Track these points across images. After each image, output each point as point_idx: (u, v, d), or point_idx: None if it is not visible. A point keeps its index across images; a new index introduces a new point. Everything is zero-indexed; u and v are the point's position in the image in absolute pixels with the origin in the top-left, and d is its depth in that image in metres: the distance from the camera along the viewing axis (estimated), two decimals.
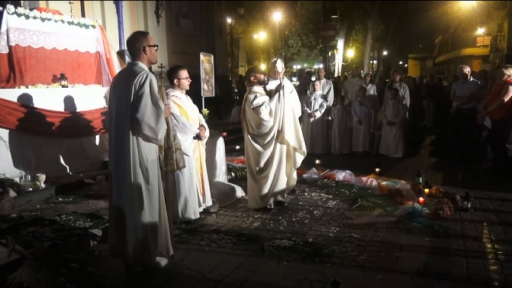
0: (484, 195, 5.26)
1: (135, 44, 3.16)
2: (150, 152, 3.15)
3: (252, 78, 4.81)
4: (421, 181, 5.39)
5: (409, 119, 9.53)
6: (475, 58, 30.81)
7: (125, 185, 3.07)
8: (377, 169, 6.33)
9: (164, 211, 3.29)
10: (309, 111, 8.48)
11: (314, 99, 8.54)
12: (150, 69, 4.21)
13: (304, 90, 10.52)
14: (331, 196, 5.32)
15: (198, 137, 4.42)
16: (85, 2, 9.16)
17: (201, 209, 4.56)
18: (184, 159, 3.62)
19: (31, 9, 6.22)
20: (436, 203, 4.71)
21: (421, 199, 4.83)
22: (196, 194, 4.42)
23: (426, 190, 5.14)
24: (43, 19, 6.19)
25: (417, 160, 7.90)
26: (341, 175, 6.13)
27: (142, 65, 3.16)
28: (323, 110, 8.53)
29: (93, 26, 6.99)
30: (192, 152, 4.37)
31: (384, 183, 5.68)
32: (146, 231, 3.14)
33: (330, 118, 8.81)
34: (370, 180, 5.82)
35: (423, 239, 3.85)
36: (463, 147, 7.40)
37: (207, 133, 4.56)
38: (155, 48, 3.23)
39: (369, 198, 5.11)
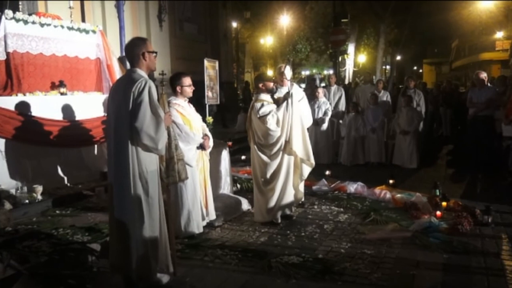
0: (506, 208, 5.18)
1: (134, 50, 3.19)
2: (150, 163, 3.16)
3: (260, 85, 4.83)
4: (438, 193, 5.33)
5: (425, 127, 9.48)
6: (494, 63, 30.64)
7: (125, 197, 3.08)
8: (391, 181, 6.29)
9: (164, 225, 3.29)
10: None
11: (318, 107, 8.51)
12: (152, 76, 4.24)
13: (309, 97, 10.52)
14: (342, 210, 5.29)
15: (202, 147, 4.43)
16: (85, 6, 9.29)
17: (204, 223, 4.55)
18: (187, 171, 3.62)
19: (30, 14, 6.32)
20: (455, 217, 4.66)
21: (438, 213, 4.78)
22: (199, 207, 4.42)
23: (444, 203, 5.08)
24: (42, 25, 6.28)
25: (434, 171, 7.83)
26: (352, 187, 6.09)
27: (141, 72, 3.19)
28: (327, 118, 8.51)
29: (94, 31, 7.08)
30: (196, 162, 4.38)
31: (398, 195, 5.63)
32: (146, 246, 3.13)
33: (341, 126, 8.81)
34: (384, 193, 5.77)
35: (441, 256, 3.81)
36: (483, 157, 7.34)
37: (211, 142, 4.56)
38: (154, 55, 3.27)
39: (382, 211, 5.07)
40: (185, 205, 4.26)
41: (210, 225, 4.65)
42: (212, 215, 4.67)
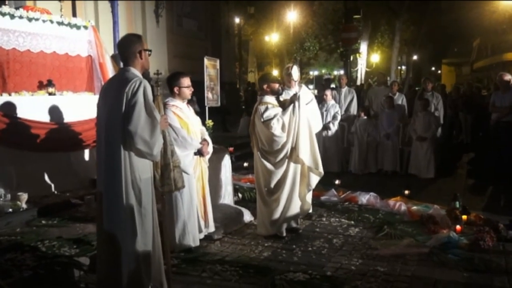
0: None
1: (130, 48, 3.20)
2: (144, 170, 3.15)
3: (265, 87, 4.83)
4: (457, 206, 5.31)
5: (443, 133, 9.45)
6: None
7: (116, 207, 3.07)
8: (406, 192, 6.27)
9: (157, 238, 3.28)
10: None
11: (326, 110, 8.51)
12: (147, 75, 4.25)
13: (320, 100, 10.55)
14: (353, 222, 5.28)
15: (200, 153, 4.43)
16: (76, 0, 9.37)
17: (202, 236, 4.55)
18: (184, 178, 3.62)
19: (16, 8, 6.36)
20: (476, 232, 4.62)
21: (458, 227, 4.77)
22: (196, 218, 4.41)
23: (464, 217, 5.06)
24: (30, 19, 6.32)
25: (453, 182, 7.83)
26: (364, 198, 6.10)
27: (135, 71, 3.20)
28: (336, 123, 8.52)
29: (85, 27, 7.12)
30: (193, 170, 4.38)
31: (414, 207, 5.63)
32: (138, 261, 3.12)
33: (351, 131, 8.80)
34: (399, 204, 5.76)
35: (461, 274, 3.79)
36: (507, 167, 7.31)
37: (210, 148, 4.57)
38: (149, 53, 3.29)
39: (397, 225, 5.07)
40: (180, 216, 4.26)
41: (209, 238, 4.65)
42: (211, 227, 4.67)
